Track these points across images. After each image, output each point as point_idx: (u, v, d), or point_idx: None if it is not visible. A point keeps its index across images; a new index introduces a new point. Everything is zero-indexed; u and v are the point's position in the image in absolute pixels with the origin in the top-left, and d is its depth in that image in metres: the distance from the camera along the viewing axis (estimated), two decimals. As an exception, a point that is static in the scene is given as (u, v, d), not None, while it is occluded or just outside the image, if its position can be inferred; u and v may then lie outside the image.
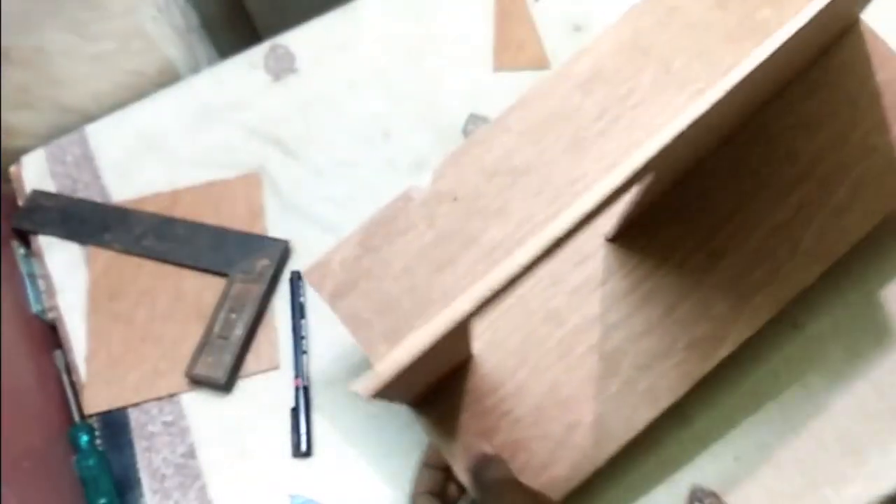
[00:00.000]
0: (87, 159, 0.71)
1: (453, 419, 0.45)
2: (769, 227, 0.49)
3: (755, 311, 0.47)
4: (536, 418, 0.46)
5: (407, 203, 0.48)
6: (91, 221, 0.67)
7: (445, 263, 0.47)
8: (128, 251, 0.65)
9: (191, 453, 0.59)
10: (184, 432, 0.59)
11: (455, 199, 0.48)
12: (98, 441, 0.60)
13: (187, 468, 0.58)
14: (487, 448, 0.44)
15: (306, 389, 0.59)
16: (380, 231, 0.48)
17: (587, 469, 0.46)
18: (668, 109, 0.49)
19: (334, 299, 0.46)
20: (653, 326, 0.47)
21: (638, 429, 0.46)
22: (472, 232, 0.48)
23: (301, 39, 0.73)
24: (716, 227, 0.49)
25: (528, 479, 0.45)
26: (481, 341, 0.47)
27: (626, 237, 0.48)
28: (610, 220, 0.47)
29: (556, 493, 0.45)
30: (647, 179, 0.40)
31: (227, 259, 0.63)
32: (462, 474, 0.45)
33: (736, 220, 0.49)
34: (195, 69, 0.77)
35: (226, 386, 0.59)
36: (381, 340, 0.46)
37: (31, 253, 0.68)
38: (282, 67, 0.72)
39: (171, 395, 0.60)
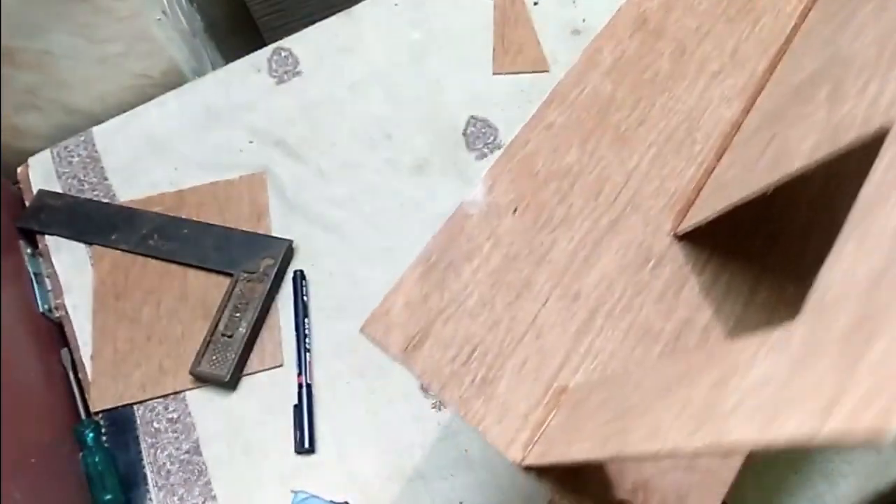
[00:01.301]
0: (93, 160, 0.72)
1: (575, 469, 0.40)
2: (807, 202, 0.46)
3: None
4: None
5: (464, 221, 0.42)
6: (97, 221, 0.68)
7: (521, 288, 0.42)
8: (133, 251, 0.66)
9: (195, 449, 0.59)
10: (188, 429, 0.60)
11: (515, 210, 0.43)
12: (104, 438, 0.61)
13: (192, 464, 0.59)
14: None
15: (309, 387, 0.60)
16: (442, 260, 0.41)
17: (723, 484, 0.42)
18: (694, 92, 0.48)
19: (407, 355, 0.39)
20: (739, 320, 0.44)
21: None
22: (541, 248, 0.43)
23: (304, 43, 0.74)
24: (763, 210, 0.46)
25: None
26: (581, 373, 0.42)
27: (692, 231, 0.45)
28: (668, 214, 0.45)
29: None
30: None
31: (232, 258, 0.64)
32: None
33: (779, 200, 0.45)
34: (200, 72, 0.79)
35: (230, 383, 0.60)
36: (476, 396, 0.39)
37: (38, 252, 0.69)
38: (285, 70, 0.73)
39: (176, 393, 0.61)
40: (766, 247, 0.46)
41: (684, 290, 0.45)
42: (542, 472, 0.39)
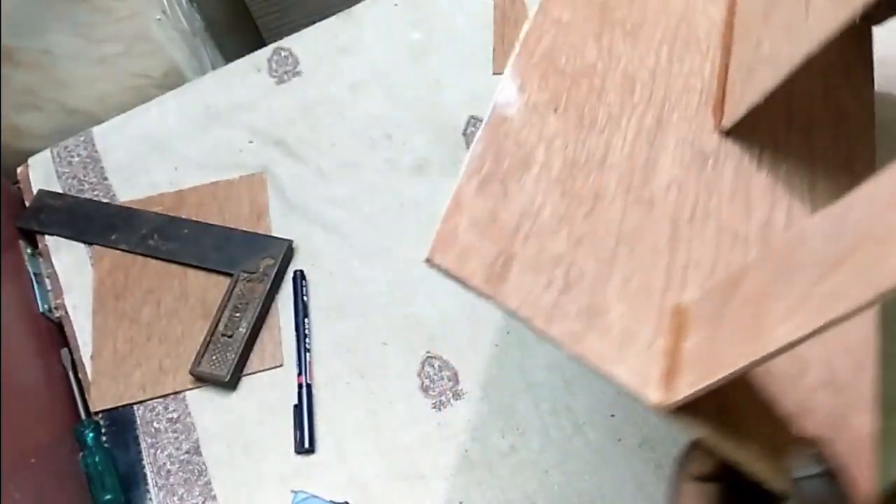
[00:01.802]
0: (93, 160, 0.72)
1: (739, 407, 0.33)
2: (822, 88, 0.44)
3: (862, 172, 0.41)
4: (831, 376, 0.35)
5: (505, 125, 0.36)
6: (97, 221, 0.68)
7: (593, 197, 0.36)
8: (133, 251, 0.66)
9: (195, 450, 0.59)
10: (188, 429, 0.60)
11: (556, 110, 0.38)
12: (104, 438, 0.61)
13: (192, 464, 0.59)
14: (819, 451, 0.30)
15: (309, 387, 0.60)
16: (496, 170, 0.35)
17: (867, 401, 0.36)
18: None
19: (494, 286, 0.31)
20: (809, 211, 0.41)
21: None
22: (597, 151, 0.38)
23: (304, 43, 0.74)
24: (787, 103, 0.43)
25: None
26: (691, 287, 0.36)
27: (739, 125, 0.41)
28: (705, 111, 0.42)
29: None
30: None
31: (232, 258, 0.64)
32: (776, 480, 0.31)
33: (798, 90, 0.43)
34: (200, 72, 0.79)
35: (230, 383, 0.60)
36: (589, 328, 0.32)
37: (38, 252, 0.69)
38: (285, 70, 0.73)
39: (176, 393, 0.61)
40: (803, 140, 0.43)
41: (752, 188, 0.40)
42: (695, 412, 0.31)
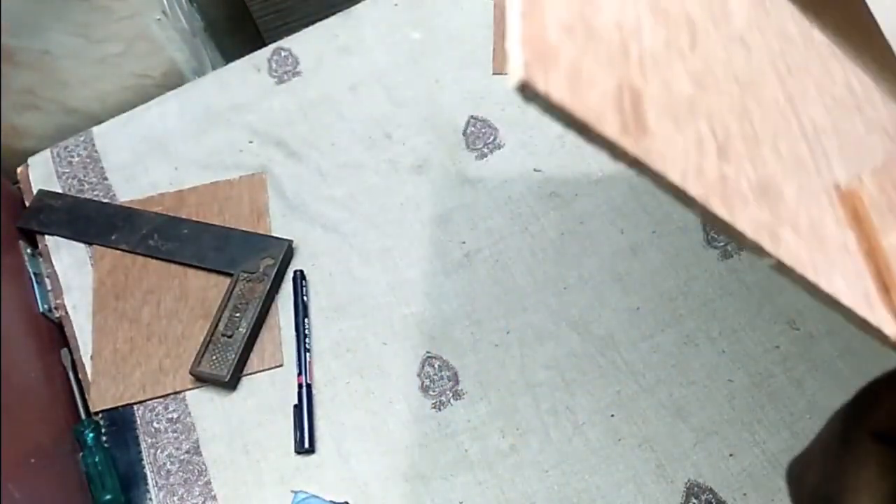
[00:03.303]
0: (93, 160, 0.72)
1: None
2: None
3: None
4: None
5: None
6: (97, 221, 0.68)
7: (686, 24, 0.25)
8: (133, 251, 0.66)
9: (195, 450, 0.59)
10: (188, 429, 0.60)
11: None
12: (104, 438, 0.61)
13: (192, 464, 0.59)
14: None
15: (309, 387, 0.60)
16: None
17: None
18: None
19: (635, 138, 0.19)
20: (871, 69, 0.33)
21: None
22: None
23: (304, 43, 0.74)
24: None
25: None
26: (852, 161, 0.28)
27: None
28: None
29: None
30: None
31: (232, 258, 0.64)
32: None
33: None
34: (200, 72, 0.79)
35: (230, 383, 0.60)
36: (773, 217, 0.22)
37: (38, 252, 0.69)
38: (285, 70, 0.73)
39: (176, 393, 0.61)
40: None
41: (816, 41, 0.32)
42: None
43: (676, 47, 0.24)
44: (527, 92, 0.17)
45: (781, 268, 0.21)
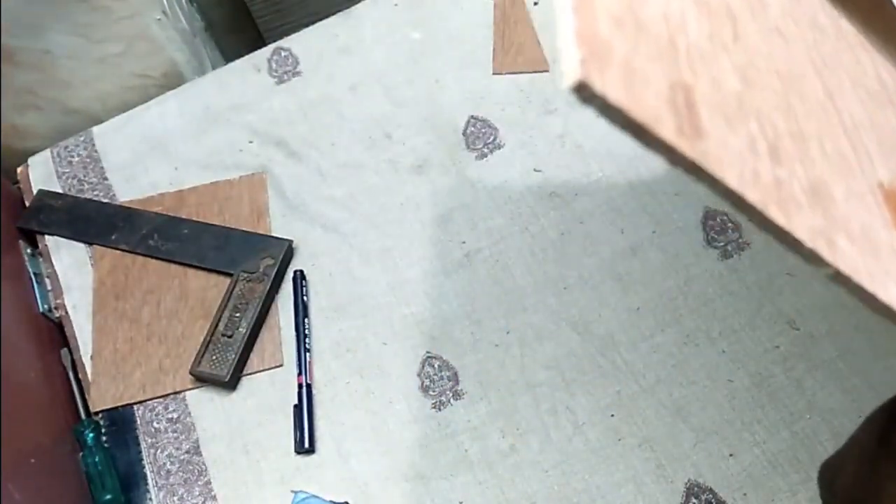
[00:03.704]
0: (93, 160, 0.72)
1: None
2: None
3: None
4: None
5: None
6: (97, 221, 0.68)
7: (727, 15, 0.25)
8: (133, 251, 0.66)
9: (195, 449, 0.59)
10: (188, 429, 0.60)
11: None
12: (104, 438, 0.61)
13: (192, 464, 0.59)
14: None
15: (309, 387, 0.60)
16: None
17: None
18: None
19: (691, 141, 0.19)
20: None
21: None
22: None
23: (304, 43, 0.74)
24: None
25: None
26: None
27: None
28: None
29: None
30: None
31: (232, 258, 0.64)
32: None
33: None
34: (200, 72, 0.79)
35: (230, 383, 0.60)
36: (828, 223, 0.21)
37: (38, 252, 0.69)
38: (285, 70, 0.73)
39: (176, 393, 0.61)
40: None
41: (847, 34, 0.31)
42: None
43: (720, 40, 0.23)
44: (584, 93, 0.17)
45: (839, 277, 0.20)
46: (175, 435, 0.60)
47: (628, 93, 0.17)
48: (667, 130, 0.18)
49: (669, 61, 0.20)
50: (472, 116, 0.68)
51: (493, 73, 0.70)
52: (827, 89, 0.26)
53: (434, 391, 0.58)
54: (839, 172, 0.23)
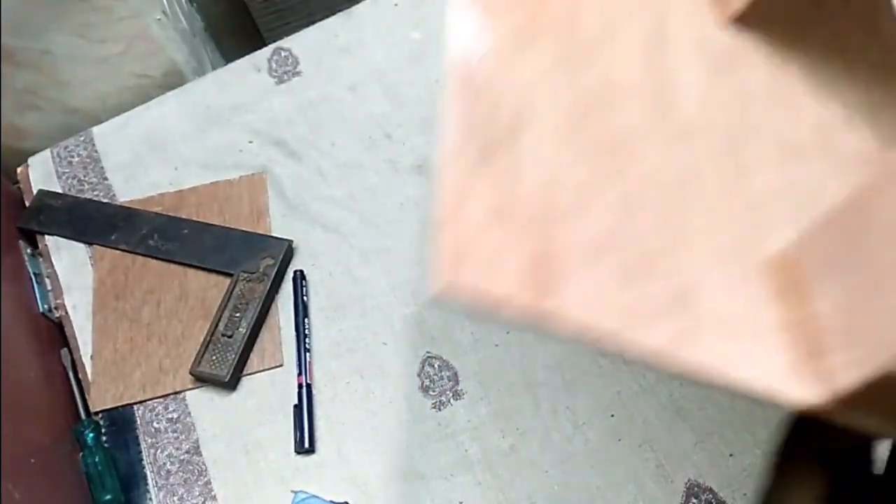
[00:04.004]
0: (93, 160, 0.72)
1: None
2: None
3: None
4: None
5: (478, 75, 0.26)
6: (97, 221, 0.68)
7: (619, 143, 0.27)
8: (133, 251, 0.66)
9: (195, 450, 0.59)
10: (188, 429, 0.60)
11: (534, 37, 0.28)
12: (104, 438, 0.61)
13: (192, 464, 0.59)
14: None
15: (309, 387, 0.60)
16: (489, 137, 0.24)
17: None
18: None
19: (546, 298, 0.21)
20: (857, 109, 0.32)
21: None
22: (602, 78, 0.28)
23: (304, 43, 0.74)
24: None
25: None
26: (791, 225, 0.28)
27: (750, 11, 0.32)
28: (706, 6, 0.32)
29: None
30: None
31: (232, 258, 0.64)
32: None
33: None
34: (200, 72, 0.79)
35: (230, 383, 0.60)
36: (693, 325, 0.23)
37: (38, 252, 0.69)
38: (285, 70, 0.73)
39: (176, 393, 0.61)
40: (834, 5, 0.35)
41: (788, 84, 0.32)
42: (874, 406, 0.22)
43: (603, 179, 0.25)
44: (445, 292, 0.20)
45: (688, 375, 0.22)
46: (175, 435, 0.60)
47: (490, 279, 0.20)
48: (525, 297, 0.21)
49: (536, 229, 0.22)
50: (472, 116, 0.68)
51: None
52: (739, 167, 0.27)
53: (434, 391, 0.58)
54: (718, 267, 0.24)
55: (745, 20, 0.32)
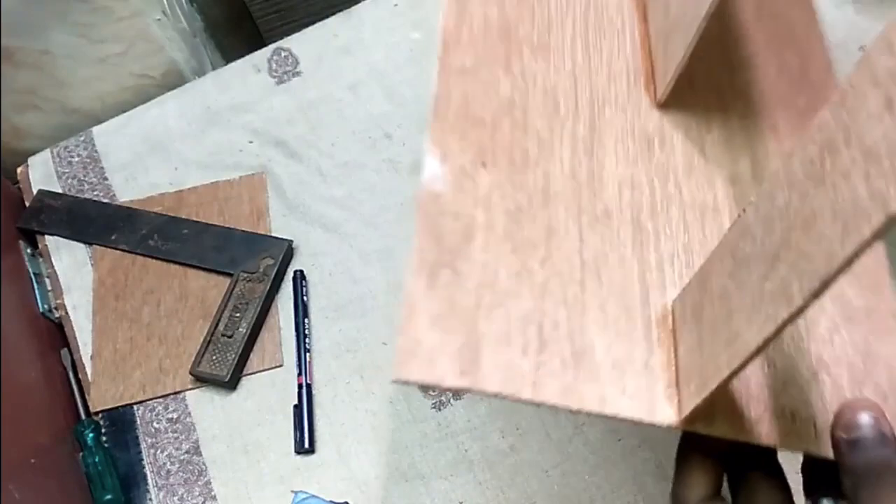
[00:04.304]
0: (93, 160, 0.72)
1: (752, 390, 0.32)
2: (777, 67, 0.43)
3: (818, 79, 0.42)
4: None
5: (438, 203, 0.33)
6: (97, 221, 0.68)
7: (545, 237, 0.34)
8: (133, 251, 0.66)
9: (195, 450, 0.59)
10: (188, 429, 0.60)
11: (484, 164, 0.35)
12: (104, 438, 0.61)
13: (192, 464, 0.59)
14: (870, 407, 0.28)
15: (309, 387, 0.60)
16: (441, 256, 0.32)
17: None
18: None
19: (473, 377, 0.29)
20: (774, 149, 0.39)
21: None
22: (537, 186, 0.35)
23: (304, 43, 0.74)
24: (724, 39, 0.42)
25: None
26: (671, 286, 0.35)
27: (674, 94, 0.40)
28: (637, 92, 0.40)
29: None
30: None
31: (232, 258, 0.64)
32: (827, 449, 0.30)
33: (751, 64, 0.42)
34: (200, 72, 0.79)
35: (230, 383, 0.60)
36: (580, 376, 0.30)
37: (38, 253, 0.69)
38: (285, 70, 0.73)
39: (176, 393, 0.61)
40: (751, 77, 0.42)
41: (707, 151, 0.39)
42: (710, 420, 0.30)
43: (527, 272, 0.32)
44: (397, 382, 0.28)
45: (576, 412, 0.29)
46: (175, 435, 0.60)
47: (428, 371, 0.28)
48: (451, 380, 0.28)
49: (469, 324, 0.30)
50: (472, 116, 0.68)
51: (493, 73, 0.70)
52: (639, 243, 0.35)
53: (434, 391, 0.58)
54: (611, 328, 0.32)
55: (669, 104, 0.40)
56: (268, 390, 0.60)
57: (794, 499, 0.31)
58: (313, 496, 0.56)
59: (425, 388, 0.32)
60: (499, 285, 0.31)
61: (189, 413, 0.61)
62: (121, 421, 0.61)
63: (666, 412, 0.30)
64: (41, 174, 0.72)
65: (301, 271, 0.64)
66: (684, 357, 0.31)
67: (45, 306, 0.66)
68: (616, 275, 0.33)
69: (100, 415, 0.62)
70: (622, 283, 0.33)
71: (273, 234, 0.66)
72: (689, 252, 0.35)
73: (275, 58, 0.74)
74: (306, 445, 0.57)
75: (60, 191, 0.71)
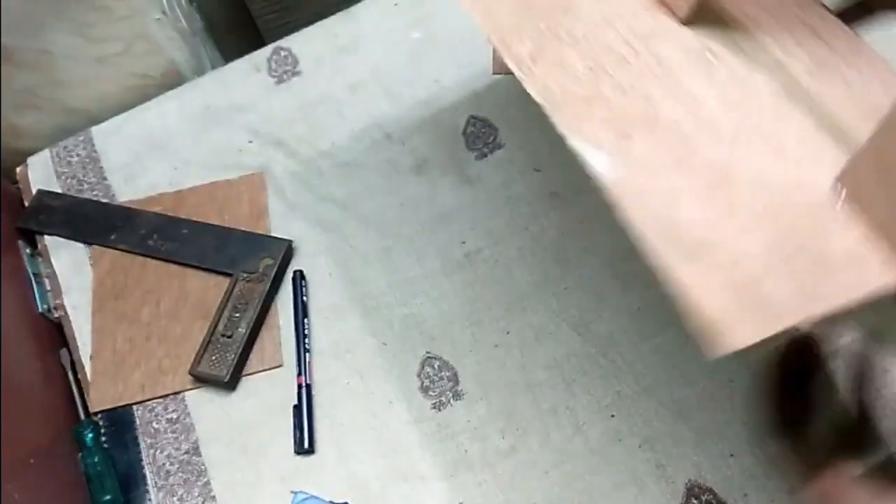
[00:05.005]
0: (92, 160, 0.72)
1: None
2: None
3: None
4: None
5: (625, 185, 0.40)
6: (96, 221, 0.68)
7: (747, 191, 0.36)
8: (132, 251, 0.66)
9: (195, 450, 0.59)
10: (188, 429, 0.60)
11: (629, 136, 0.39)
12: (103, 438, 0.61)
13: (191, 465, 0.59)
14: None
15: (308, 387, 0.59)
16: (679, 240, 0.37)
17: None
18: None
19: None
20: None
21: None
22: (678, 140, 0.38)
23: (304, 42, 0.74)
24: None
25: None
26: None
27: (698, 15, 0.41)
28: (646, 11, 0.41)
29: None
30: None
31: (231, 258, 0.64)
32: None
33: None
34: (199, 72, 0.78)
35: (229, 384, 0.60)
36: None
37: (37, 252, 0.69)
38: (285, 70, 0.73)
39: (176, 393, 0.61)
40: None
41: (746, 51, 0.40)
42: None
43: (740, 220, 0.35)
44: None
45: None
46: (174, 435, 0.60)
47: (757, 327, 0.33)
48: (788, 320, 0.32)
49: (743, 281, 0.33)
50: (472, 116, 0.68)
51: (493, 73, 0.70)
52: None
53: (434, 391, 0.58)
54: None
55: (692, 20, 0.40)
56: (267, 390, 0.60)
57: None
58: (313, 496, 0.56)
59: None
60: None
61: (188, 413, 0.61)
62: (120, 421, 0.61)
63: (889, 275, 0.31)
64: (40, 174, 0.72)
65: (301, 271, 0.64)
66: (886, 221, 0.32)
67: (45, 306, 0.66)
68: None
69: (99, 415, 0.62)
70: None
71: (273, 234, 0.66)
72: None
73: (274, 57, 0.74)
74: (306, 446, 0.57)
75: (60, 191, 0.71)
